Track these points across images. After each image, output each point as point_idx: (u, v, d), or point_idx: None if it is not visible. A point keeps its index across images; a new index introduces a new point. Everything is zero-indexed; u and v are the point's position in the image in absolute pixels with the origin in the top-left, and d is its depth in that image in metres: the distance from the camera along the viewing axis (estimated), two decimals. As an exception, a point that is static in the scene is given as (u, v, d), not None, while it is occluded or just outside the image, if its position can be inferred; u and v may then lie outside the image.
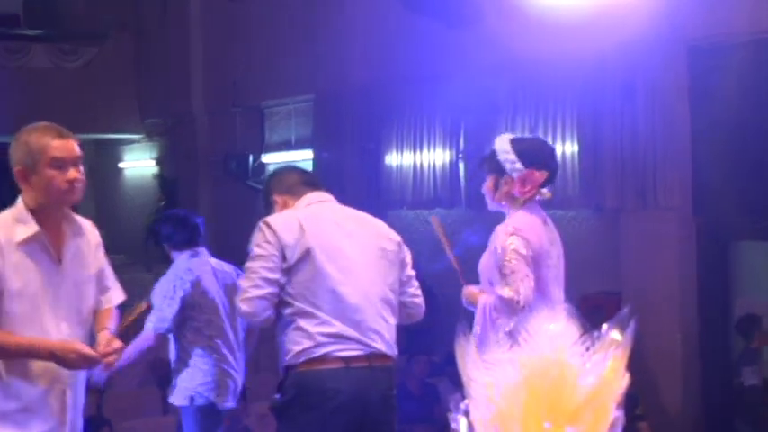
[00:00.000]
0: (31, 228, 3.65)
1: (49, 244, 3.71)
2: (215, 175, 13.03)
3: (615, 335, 1.83)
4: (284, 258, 4.19)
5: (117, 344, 3.84)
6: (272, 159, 12.50)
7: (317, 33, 11.53)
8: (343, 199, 12.11)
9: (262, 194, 4.73)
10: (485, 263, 4.59)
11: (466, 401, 1.72)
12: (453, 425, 1.71)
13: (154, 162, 15.16)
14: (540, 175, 4.51)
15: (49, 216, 3.73)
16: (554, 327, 1.75)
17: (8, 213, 3.72)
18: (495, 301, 4.36)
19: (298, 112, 12.29)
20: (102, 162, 16.18)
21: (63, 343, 3.68)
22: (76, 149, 3.69)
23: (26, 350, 3.67)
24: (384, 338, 4.32)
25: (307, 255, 4.21)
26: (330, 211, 4.57)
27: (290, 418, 4.25)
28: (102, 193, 16.09)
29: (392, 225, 11.57)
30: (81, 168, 3.71)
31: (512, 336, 1.73)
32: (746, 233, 8.24)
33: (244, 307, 4.20)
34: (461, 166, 10.25)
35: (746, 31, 7.66)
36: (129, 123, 15.00)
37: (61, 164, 3.61)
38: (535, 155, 4.60)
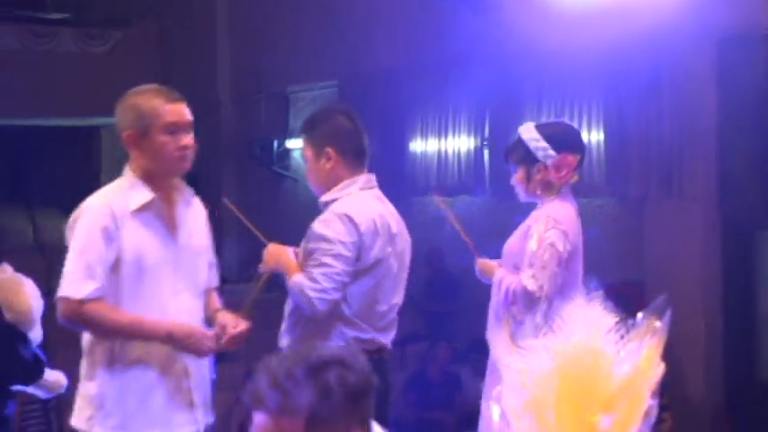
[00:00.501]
0: (146, 195, 3.42)
1: (165, 212, 3.51)
2: (240, 160, 13.04)
3: (653, 323, 1.81)
4: (357, 259, 4.00)
5: (244, 325, 3.60)
6: (297, 145, 12.50)
7: (341, 18, 11.50)
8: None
9: (308, 136, 4.17)
10: (514, 245, 4.49)
11: (499, 388, 1.69)
12: (485, 412, 1.68)
13: (179, 148, 15.18)
14: (574, 159, 4.46)
15: (159, 185, 3.52)
16: (589, 314, 1.73)
17: (118, 182, 3.50)
18: (517, 286, 4.28)
19: (323, 98, 12.26)
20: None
21: (182, 325, 3.42)
22: (188, 114, 3.53)
23: (139, 329, 3.36)
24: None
25: (374, 265, 4.05)
26: (383, 208, 4.31)
27: None
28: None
29: (416, 212, 11.70)
30: (192, 135, 3.53)
31: (546, 322, 1.69)
32: (772, 223, 8.19)
33: (320, 307, 3.89)
34: (486, 153, 10.24)
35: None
36: (156, 108, 15.00)
37: (174, 129, 3.43)
38: (565, 138, 4.54)
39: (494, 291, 4.41)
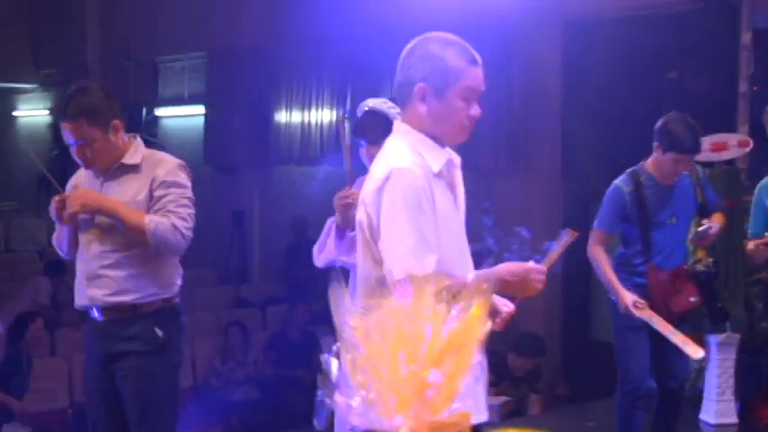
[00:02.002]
0: (442, 155, 2.92)
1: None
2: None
3: (481, 284, 1.86)
4: None
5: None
6: (165, 113, 12.31)
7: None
8: (234, 153, 12.08)
9: (90, 118, 3.82)
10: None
11: (337, 344, 1.72)
12: (324, 366, 1.72)
13: (48, 112, 14.75)
14: None
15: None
16: (422, 276, 1.77)
17: (407, 140, 2.91)
18: None
19: (191, 68, 12.11)
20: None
21: (515, 263, 3.02)
22: (483, 82, 2.98)
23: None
24: None
25: None
26: None
27: None
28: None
29: (279, 180, 11.60)
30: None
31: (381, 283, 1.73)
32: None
33: (187, 244, 3.95)
34: (347, 124, 10.25)
35: (616, 7, 7.81)
36: (24, 73, 14.56)
37: (470, 96, 2.92)
38: None
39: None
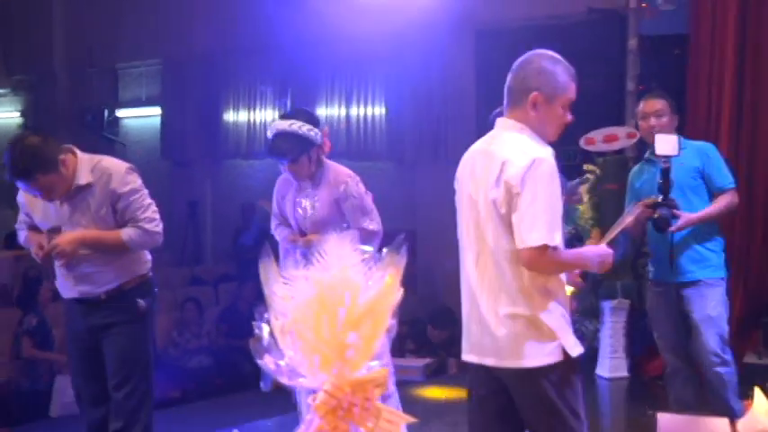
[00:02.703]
0: (550, 150, 3.02)
1: None
2: (73, 126, 12.54)
3: (394, 257, 1.87)
4: None
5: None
6: (126, 114, 12.16)
7: (163, 4, 11.21)
8: (188, 149, 11.99)
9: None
10: (325, 213, 4.41)
11: (268, 312, 1.72)
12: (257, 331, 1.72)
13: (19, 114, 14.47)
14: (326, 131, 4.44)
15: None
16: (342, 251, 1.77)
17: (525, 134, 3.02)
18: (360, 232, 4.30)
19: (148, 74, 11.97)
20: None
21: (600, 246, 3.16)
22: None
23: (583, 261, 3.10)
24: None
25: None
26: None
27: None
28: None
29: (228, 172, 11.52)
30: None
31: (306, 257, 1.72)
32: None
33: (161, 238, 3.99)
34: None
35: (521, 17, 7.86)
36: (-4, 78, 14.25)
37: (568, 105, 3.07)
38: (313, 116, 4.51)
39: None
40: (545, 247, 2.82)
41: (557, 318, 2.91)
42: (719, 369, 4.53)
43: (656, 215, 4.42)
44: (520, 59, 3.10)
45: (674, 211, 4.42)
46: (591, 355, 6.03)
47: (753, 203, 6.49)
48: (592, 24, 7.40)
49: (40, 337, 7.58)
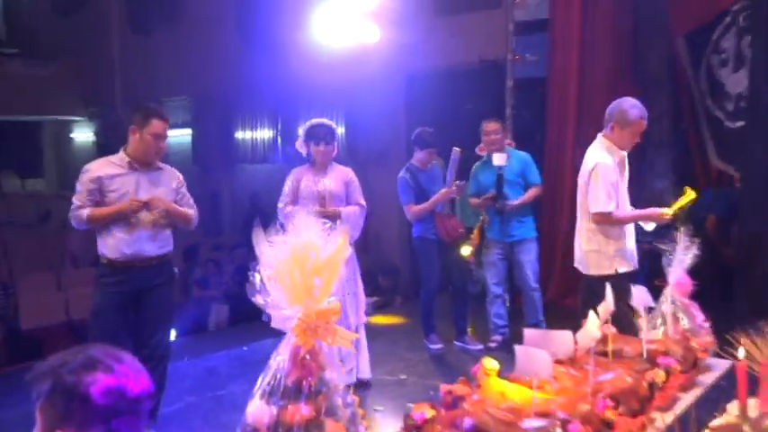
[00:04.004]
0: (620, 154, 3.54)
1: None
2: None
3: (345, 226, 1.86)
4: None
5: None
6: (169, 134, 11.91)
7: (193, 57, 11.02)
8: (210, 158, 11.80)
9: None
10: (342, 191, 4.30)
11: (258, 265, 1.70)
12: (251, 278, 1.70)
13: (93, 134, 14.07)
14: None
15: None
16: (309, 222, 1.75)
17: (604, 147, 3.51)
18: (356, 210, 4.30)
19: (182, 106, 11.79)
20: None
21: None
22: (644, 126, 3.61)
23: (633, 216, 3.55)
24: None
25: None
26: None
27: None
28: None
29: (238, 173, 11.32)
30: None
31: (282, 227, 1.71)
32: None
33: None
34: (279, 138, 10.30)
35: (436, 66, 7.87)
36: (76, 108, 13.92)
37: (637, 132, 3.54)
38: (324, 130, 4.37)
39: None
40: (602, 213, 3.41)
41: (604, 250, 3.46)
42: (534, 293, 4.81)
43: (497, 204, 4.90)
44: (615, 102, 3.53)
45: (507, 202, 4.91)
46: (481, 293, 6.07)
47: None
48: (482, 70, 7.45)
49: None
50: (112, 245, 3.58)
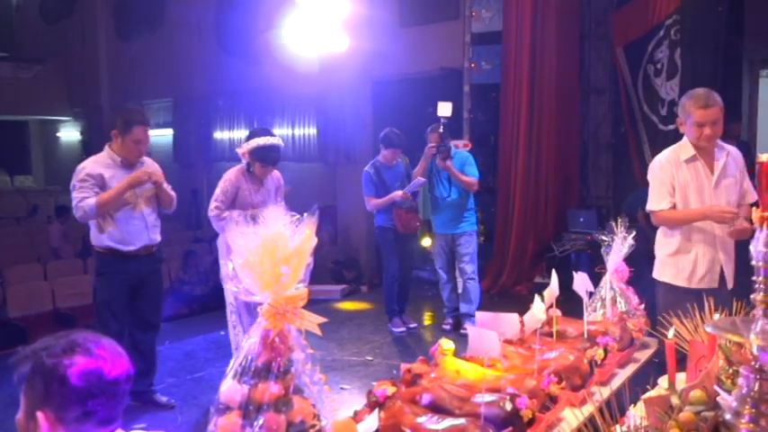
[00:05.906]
0: (690, 151, 2.95)
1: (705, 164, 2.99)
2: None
3: (311, 218, 1.83)
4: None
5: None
6: (150, 134, 11.69)
7: (173, 61, 10.83)
8: (190, 156, 11.60)
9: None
10: None
11: (232, 254, 1.67)
12: (223, 268, 1.67)
13: (79, 133, 13.78)
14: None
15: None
16: (278, 215, 1.73)
17: (676, 145, 3.02)
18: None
19: (164, 107, 11.60)
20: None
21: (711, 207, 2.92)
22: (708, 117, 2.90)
23: (688, 217, 2.94)
24: None
25: None
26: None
27: None
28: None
29: (217, 170, 11.22)
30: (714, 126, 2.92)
31: (254, 219, 1.68)
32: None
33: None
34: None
35: (400, 73, 7.86)
36: (63, 109, 13.57)
37: (702, 124, 2.88)
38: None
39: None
40: (654, 212, 3.01)
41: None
42: (471, 282, 4.83)
43: (440, 148, 4.89)
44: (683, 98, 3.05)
45: (450, 146, 4.88)
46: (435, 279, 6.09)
47: (543, 192, 6.68)
48: (443, 77, 7.46)
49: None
50: (119, 237, 3.51)
